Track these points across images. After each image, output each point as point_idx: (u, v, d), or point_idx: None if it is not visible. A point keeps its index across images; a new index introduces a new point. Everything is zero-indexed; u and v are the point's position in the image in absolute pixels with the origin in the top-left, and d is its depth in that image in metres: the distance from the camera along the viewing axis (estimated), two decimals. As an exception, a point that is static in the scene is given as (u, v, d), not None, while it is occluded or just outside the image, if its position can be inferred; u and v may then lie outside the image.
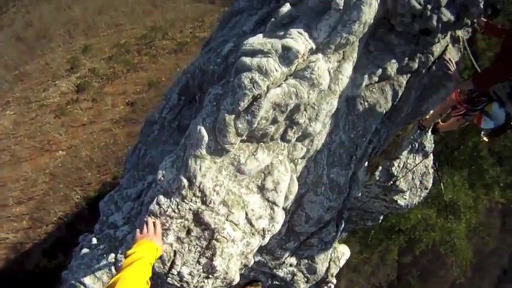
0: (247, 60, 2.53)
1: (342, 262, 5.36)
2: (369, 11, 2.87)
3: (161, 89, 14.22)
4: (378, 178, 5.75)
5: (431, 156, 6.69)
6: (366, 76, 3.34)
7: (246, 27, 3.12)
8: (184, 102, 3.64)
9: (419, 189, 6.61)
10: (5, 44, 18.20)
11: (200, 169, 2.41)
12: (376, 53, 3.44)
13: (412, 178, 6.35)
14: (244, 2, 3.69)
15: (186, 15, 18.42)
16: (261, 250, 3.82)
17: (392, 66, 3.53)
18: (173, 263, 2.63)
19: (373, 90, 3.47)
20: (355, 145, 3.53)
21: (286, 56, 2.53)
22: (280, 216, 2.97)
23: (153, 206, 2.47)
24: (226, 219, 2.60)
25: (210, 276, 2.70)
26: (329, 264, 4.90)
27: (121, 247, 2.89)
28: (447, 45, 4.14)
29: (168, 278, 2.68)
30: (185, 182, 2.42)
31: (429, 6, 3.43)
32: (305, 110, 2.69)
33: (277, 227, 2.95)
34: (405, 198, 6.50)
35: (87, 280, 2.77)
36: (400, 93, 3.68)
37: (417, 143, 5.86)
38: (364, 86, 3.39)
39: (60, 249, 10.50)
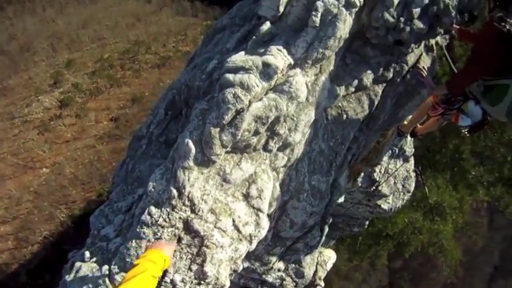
0: (230, 76, 2.75)
1: (329, 266, 5.56)
2: (344, 27, 3.13)
3: (145, 104, 14.31)
4: (360, 184, 5.98)
5: (412, 161, 6.96)
6: (343, 87, 3.59)
7: (229, 45, 3.34)
8: (171, 117, 3.82)
9: (402, 193, 6.86)
10: (-11, 57, 18.22)
11: (188, 180, 2.61)
12: (353, 65, 3.70)
13: (394, 182, 6.61)
14: (227, 20, 3.94)
15: (169, 29, 18.65)
16: (250, 256, 4.01)
17: (368, 77, 3.79)
18: (166, 271, 2.80)
19: (350, 100, 3.72)
20: (335, 153, 3.77)
21: (266, 71, 2.76)
22: (266, 222, 3.17)
23: (145, 217, 2.65)
24: (215, 226, 2.79)
25: (202, 282, 2.87)
26: (316, 268, 5.10)
27: (114, 258, 3.03)
28: (421, 54, 4.44)
29: (161, 287, 2.84)
30: (175, 192, 2.61)
31: (402, 19, 3.70)
32: (285, 121, 2.92)
33: (263, 232, 3.15)
34: (388, 202, 6.75)
35: (82, 293, 2.90)
36: (376, 102, 3.94)
37: (397, 148, 6.12)
38: (342, 97, 3.64)
39: (46, 270, 10.44)
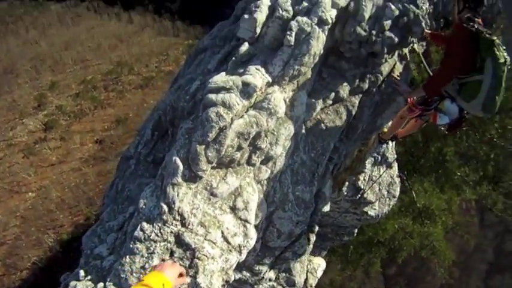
0: (212, 96, 2.97)
1: (319, 273, 5.74)
2: (317, 44, 3.39)
3: (129, 125, 14.44)
4: (345, 193, 6.20)
5: (395, 166, 7.21)
6: (321, 100, 3.84)
7: (210, 66, 3.57)
8: (157, 137, 4.01)
9: (387, 199, 7.08)
10: (-28, 79, 18.28)
11: (178, 195, 2.80)
12: (329, 79, 3.96)
13: (379, 189, 6.83)
14: (208, 40, 4.18)
15: (151, 50, 18.93)
16: (241, 267, 4.18)
17: (344, 89, 4.05)
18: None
19: (329, 112, 3.96)
20: (316, 163, 3.99)
21: (246, 90, 3.00)
22: (253, 233, 3.36)
23: (138, 233, 2.83)
24: (205, 239, 2.97)
25: (195, 293, 3.04)
26: (307, 276, 5.28)
27: (109, 275, 3.18)
28: (395, 64, 4.72)
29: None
30: (165, 207, 2.80)
31: (374, 32, 3.96)
32: (266, 136, 3.15)
33: (252, 242, 3.34)
34: (375, 209, 6.97)
35: (78, 311, 3.03)
36: (353, 113, 4.18)
37: (379, 155, 6.36)
38: (320, 110, 3.88)
39: (36, 296, 10.42)
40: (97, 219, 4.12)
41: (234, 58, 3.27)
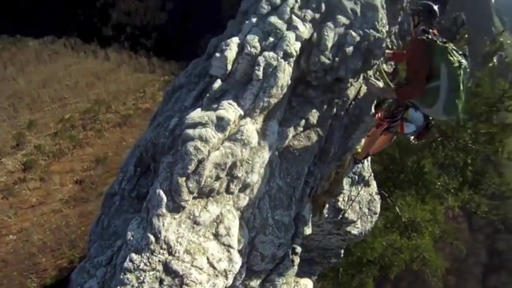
0: (190, 131, 3.28)
1: (306, 294, 5.94)
2: (284, 76, 3.77)
3: (109, 164, 14.51)
4: (327, 215, 6.43)
5: (373, 184, 7.54)
6: (292, 128, 4.19)
7: (186, 103, 3.89)
8: (140, 173, 4.26)
9: (369, 216, 7.33)
10: None
11: (163, 225, 3.06)
12: (298, 107, 4.32)
13: (360, 207, 7.10)
14: (184, 78, 4.53)
15: (128, 87, 19.23)
16: (229, 292, 4.39)
17: (314, 116, 4.41)
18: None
19: (300, 138, 4.31)
20: (293, 188, 4.30)
21: (221, 124, 3.32)
22: (238, 257, 3.61)
23: (127, 264, 3.05)
24: (192, 265, 3.21)
25: (185, 320, 3.25)
26: (294, 297, 5.48)
27: (100, 308, 3.39)
28: (361, 86, 5.13)
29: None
30: (152, 238, 3.05)
31: (337, 59, 4.37)
32: (241, 165, 3.45)
33: (237, 266, 3.59)
34: (358, 227, 7.23)
35: None
36: (324, 137, 4.54)
37: (356, 175, 6.66)
38: (292, 137, 4.23)
39: None
40: (87, 253, 4.28)
41: (208, 94, 3.60)
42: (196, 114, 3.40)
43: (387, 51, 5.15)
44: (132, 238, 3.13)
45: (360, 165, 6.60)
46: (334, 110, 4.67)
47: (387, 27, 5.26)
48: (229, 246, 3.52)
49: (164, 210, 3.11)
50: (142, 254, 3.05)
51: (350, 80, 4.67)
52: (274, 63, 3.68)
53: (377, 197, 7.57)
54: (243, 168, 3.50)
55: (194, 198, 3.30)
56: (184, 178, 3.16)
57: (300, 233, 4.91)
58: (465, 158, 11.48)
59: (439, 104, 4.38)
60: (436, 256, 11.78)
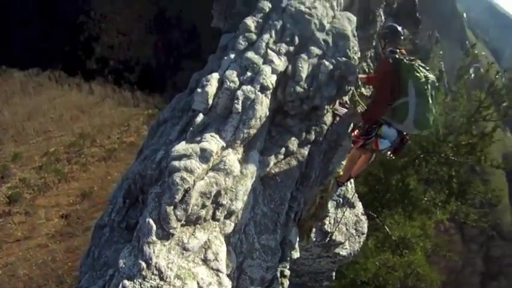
0: (176, 163, 3.59)
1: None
2: (261, 108, 4.13)
3: (94, 199, 14.61)
4: (314, 239, 6.67)
5: (359, 205, 7.86)
6: (273, 156, 4.53)
7: (171, 136, 4.22)
8: (129, 204, 4.51)
9: (356, 236, 7.59)
10: None
11: (154, 252, 3.32)
12: (278, 136, 4.68)
13: (347, 229, 7.38)
14: (168, 113, 4.87)
15: (113, 121, 19.48)
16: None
17: (293, 143, 4.76)
18: None
19: (281, 166, 4.64)
20: (277, 213, 4.59)
21: (204, 155, 3.64)
22: (227, 281, 3.86)
23: (120, 291, 3.30)
24: (183, 290, 3.47)
25: None
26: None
27: (96, 337, 3.60)
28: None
29: None
30: (143, 264, 3.30)
31: (312, 89, 4.76)
32: (225, 193, 3.75)
33: (227, 290, 3.84)
34: (346, 248, 7.48)
35: None
36: (304, 163, 4.87)
37: (341, 198, 6.96)
38: (273, 164, 4.55)
39: None
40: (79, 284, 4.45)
41: (191, 128, 3.93)
42: (181, 147, 3.72)
43: (361, 75, 5.56)
44: (124, 265, 3.37)
45: (343, 188, 6.92)
46: (313, 136, 5.02)
47: (359, 53, 5.68)
48: (218, 270, 3.77)
49: (154, 238, 3.37)
50: (135, 280, 3.28)
51: (326, 107, 5.04)
52: (252, 96, 4.06)
53: (363, 218, 7.86)
54: (227, 196, 3.79)
55: (182, 225, 3.57)
56: (172, 207, 3.44)
57: (287, 256, 5.17)
58: (449, 171, 11.95)
59: (410, 119, 4.73)
60: (430, 270, 12.06)
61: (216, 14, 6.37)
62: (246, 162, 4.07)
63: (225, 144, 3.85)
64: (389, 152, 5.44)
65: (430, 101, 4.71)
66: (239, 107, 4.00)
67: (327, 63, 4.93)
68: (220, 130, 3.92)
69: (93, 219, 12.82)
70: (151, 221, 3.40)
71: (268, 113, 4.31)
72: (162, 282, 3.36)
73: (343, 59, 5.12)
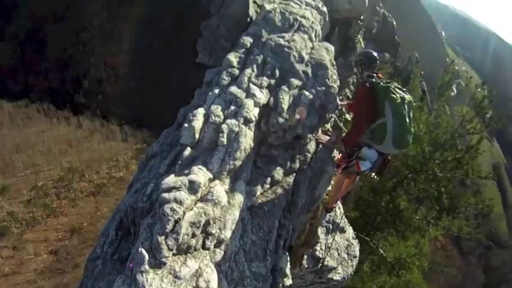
0: (166, 195, 3.85)
1: None
2: (246, 140, 4.44)
3: (84, 235, 14.55)
4: (306, 266, 6.82)
5: (349, 229, 8.09)
6: (259, 186, 4.81)
7: (161, 170, 4.48)
8: (121, 236, 4.73)
9: (349, 260, 7.73)
10: None
11: (147, 280, 3.54)
12: (263, 167, 4.97)
13: (338, 253, 7.55)
14: (157, 147, 5.16)
15: (101, 155, 19.63)
16: None
17: (278, 173, 5.06)
18: None
19: (268, 195, 4.91)
20: (266, 241, 4.82)
21: (193, 187, 3.91)
22: (219, 308, 4.09)
23: (114, 318, 3.51)
24: (175, 317, 3.68)
25: None
26: None
27: None
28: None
29: None
30: (137, 293, 3.54)
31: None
32: (214, 223, 4.01)
33: (220, 317, 4.05)
34: (339, 273, 7.60)
35: None
36: (291, 191, 5.15)
37: (330, 223, 7.17)
38: (260, 194, 4.83)
39: None
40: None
41: (180, 161, 4.21)
42: (171, 180, 3.99)
43: (341, 102, 5.91)
44: (118, 295, 3.60)
45: (332, 214, 7.17)
46: (297, 165, 5.33)
47: (338, 81, 6.05)
48: (211, 297, 4.00)
49: (147, 267, 3.59)
50: (129, 309, 3.52)
51: (309, 136, 5.37)
52: (236, 129, 4.38)
53: (354, 241, 8.06)
54: (216, 226, 4.04)
55: (174, 254, 3.80)
56: (163, 237, 3.68)
57: (279, 283, 5.37)
58: (438, 187, 12.25)
59: (388, 139, 5.05)
60: (427, 287, 12.19)
61: (201, 50, 6.77)
62: (233, 192, 4.33)
63: (212, 176, 4.12)
64: (373, 174, 5.76)
65: (408, 121, 5.03)
66: (224, 140, 4.31)
67: (307, 93, 5.29)
68: (207, 162, 4.19)
69: (82, 256, 12.85)
70: (143, 251, 3.64)
71: (252, 145, 4.62)
72: (155, 310, 3.58)
73: (323, 88, 5.48)
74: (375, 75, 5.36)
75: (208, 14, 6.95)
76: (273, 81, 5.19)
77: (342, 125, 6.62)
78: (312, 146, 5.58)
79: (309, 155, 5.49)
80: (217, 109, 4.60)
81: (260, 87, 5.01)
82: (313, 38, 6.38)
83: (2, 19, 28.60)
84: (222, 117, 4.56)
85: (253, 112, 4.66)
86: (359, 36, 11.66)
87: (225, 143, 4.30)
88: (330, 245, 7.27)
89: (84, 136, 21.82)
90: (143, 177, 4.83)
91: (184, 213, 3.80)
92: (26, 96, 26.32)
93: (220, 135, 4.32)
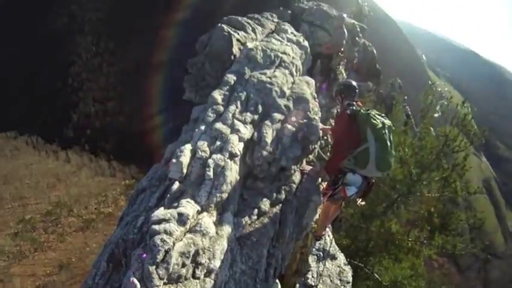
0: (156, 227, 4.13)
1: None
2: (231, 173, 4.77)
3: (72, 270, 14.66)
4: (299, 294, 7.14)
5: (340, 256, 8.35)
6: (246, 217, 5.11)
7: (151, 203, 4.78)
8: (112, 268, 4.93)
9: (342, 286, 7.90)
10: None
11: (139, 309, 3.80)
12: (250, 199, 5.28)
13: (331, 280, 7.74)
14: (146, 182, 5.45)
15: (90, 190, 19.85)
16: None
17: (265, 204, 5.36)
18: None
19: (255, 226, 5.19)
20: (255, 270, 5.05)
21: (181, 219, 4.21)
22: (210, 336, 4.31)
23: None
24: None
25: None
26: None
27: None
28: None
29: None
30: (130, 323, 3.77)
31: (278, 152, 5.45)
32: (204, 253, 4.28)
33: None
34: (333, 299, 7.90)
35: None
36: (277, 221, 5.42)
37: (320, 251, 7.45)
38: (247, 225, 5.12)
39: None
40: None
41: (169, 195, 4.52)
42: (160, 212, 4.29)
43: (325, 127, 6.26)
44: (111, 325, 3.83)
45: (322, 242, 7.46)
46: (283, 196, 5.65)
47: (320, 113, 6.44)
48: (201, 326, 4.23)
49: (138, 296, 3.86)
50: (122, 339, 3.74)
51: (293, 167, 5.71)
52: (222, 163, 4.73)
53: (346, 268, 8.29)
54: (205, 256, 4.32)
55: (165, 284, 4.03)
56: (154, 266, 3.91)
57: (270, 311, 5.60)
58: (427, 207, 12.56)
59: (372, 163, 5.41)
60: (426, 308, 12.35)
61: (188, 87, 7.16)
62: (221, 224, 4.63)
63: (200, 208, 4.43)
64: (358, 198, 6.08)
65: (389, 144, 5.40)
66: (211, 174, 4.65)
67: (289, 126, 5.68)
68: (195, 196, 4.51)
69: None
70: (135, 280, 3.87)
71: (238, 178, 4.96)
72: None
73: (305, 120, 5.87)
74: (354, 103, 5.76)
75: (195, 52, 7.38)
76: (256, 117, 5.57)
77: (328, 154, 6.96)
78: (296, 177, 5.91)
79: (294, 186, 5.81)
80: (203, 145, 4.95)
81: (244, 122, 5.40)
82: (294, 72, 6.82)
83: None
84: (208, 152, 4.91)
85: (238, 147, 5.02)
86: (340, 67, 12.18)
87: (212, 177, 4.63)
88: (321, 272, 7.53)
89: (72, 171, 22.03)
90: (133, 210, 5.11)
91: (174, 243, 4.07)
92: (15, 128, 26.59)
93: (207, 169, 4.66)
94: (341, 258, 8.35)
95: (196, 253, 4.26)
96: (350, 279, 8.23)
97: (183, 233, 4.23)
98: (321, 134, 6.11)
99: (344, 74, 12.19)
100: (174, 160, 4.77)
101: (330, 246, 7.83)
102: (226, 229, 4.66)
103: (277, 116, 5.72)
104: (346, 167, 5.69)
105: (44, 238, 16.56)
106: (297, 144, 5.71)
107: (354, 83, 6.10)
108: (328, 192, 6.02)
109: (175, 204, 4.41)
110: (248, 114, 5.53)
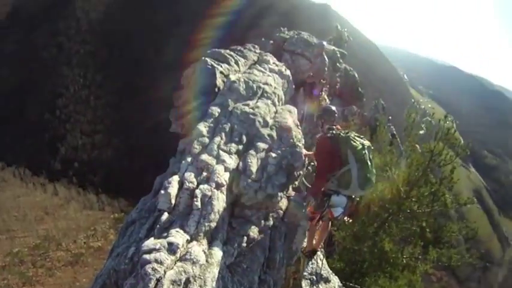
0: (147, 256, 4.35)
1: None
2: (218, 203, 5.04)
3: (63, 306, 14.68)
4: (294, 318, 7.31)
5: (334, 278, 8.52)
6: (236, 245, 5.35)
7: (141, 234, 5.00)
8: (104, 299, 5.16)
9: None
10: None
11: (133, 337, 3.99)
12: (239, 227, 5.54)
13: (326, 302, 8.03)
14: (135, 214, 5.69)
15: (78, 224, 19.93)
16: None
17: (254, 231, 5.62)
18: None
19: (245, 253, 5.44)
20: (248, 296, 5.30)
21: (171, 248, 4.45)
22: None
23: None
24: None
25: None
26: None
27: None
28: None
29: None
30: None
31: (263, 180, 5.73)
32: (195, 280, 4.49)
33: None
34: (329, 321, 8.04)
35: None
36: (267, 248, 5.68)
37: (314, 275, 7.62)
38: (237, 253, 5.35)
39: None
40: None
41: (158, 226, 4.77)
42: (150, 242, 4.52)
43: (308, 152, 6.57)
44: None
45: (314, 265, 7.65)
46: (271, 222, 5.94)
47: (303, 140, 6.76)
48: None
49: (132, 324, 4.05)
50: None
51: (279, 194, 5.99)
52: (209, 193, 5.01)
53: (342, 289, 8.49)
54: (196, 283, 4.51)
55: (158, 310, 4.27)
56: (146, 295, 4.16)
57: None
58: (419, 223, 12.81)
59: (354, 183, 5.71)
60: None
61: (174, 120, 7.45)
62: (211, 252, 4.85)
63: (189, 237, 4.67)
64: (346, 218, 6.32)
65: (369, 163, 5.73)
66: (198, 204, 4.92)
67: (273, 155, 5.99)
68: (184, 225, 4.76)
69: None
70: (128, 309, 4.10)
71: (225, 206, 5.24)
72: None
73: (288, 148, 6.18)
74: (334, 127, 6.10)
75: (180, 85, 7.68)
76: (241, 147, 5.89)
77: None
78: (283, 203, 6.19)
79: (282, 212, 6.09)
80: (190, 176, 5.23)
81: (229, 153, 5.70)
82: (276, 102, 7.18)
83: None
84: (196, 183, 5.19)
85: (224, 177, 5.31)
86: (323, 93, 12.60)
87: (200, 207, 4.90)
88: None
89: (60, 204, 22.07)
90: (124, 242, 5.32)
91: (165, 272, 4.29)
92: (2, 159, 26.59)
93: (195, 199, 4.93)
94: (335, 280, 8.49)
95: (188, 281, 4.46)
96: (345, 299, 8.43)
97: (173, 261, 4.45)
98: (306, 161, 6.39)
99: (327, 100, 12.60)
100: (162, 191, 5.04)
101: (322, 269, 8.02)
102: (216, 257, 4.89)
103: (262, 145, 6.03)
104: (330, 189, 5.96)
105: (32, 272, 16.56)
106: (282, 171, 6.00)
107: (334, 108, 6.46)
108: (316, 216, 6.27)
109: (165, 234, 4.65)
110: (233, 144, 5.84)
